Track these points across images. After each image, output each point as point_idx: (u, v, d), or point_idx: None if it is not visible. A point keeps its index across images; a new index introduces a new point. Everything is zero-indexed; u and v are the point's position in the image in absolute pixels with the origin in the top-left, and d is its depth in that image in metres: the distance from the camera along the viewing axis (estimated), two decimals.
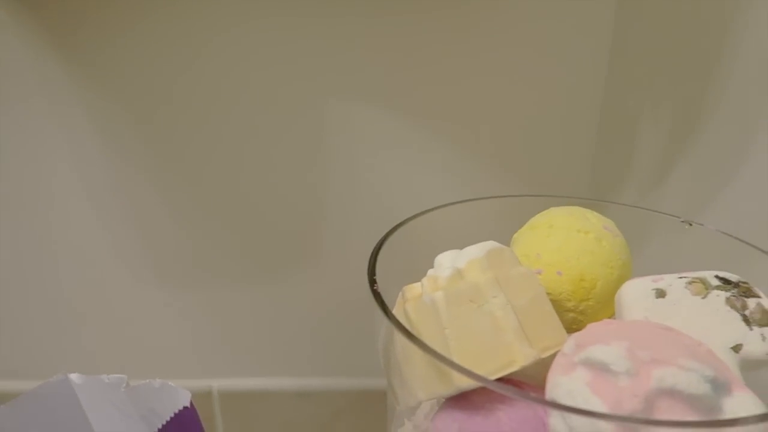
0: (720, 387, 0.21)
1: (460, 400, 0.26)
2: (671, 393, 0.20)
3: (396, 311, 0.29)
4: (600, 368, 0.21)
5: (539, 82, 0.44)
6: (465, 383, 0.24)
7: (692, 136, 0.41)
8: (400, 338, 0.26)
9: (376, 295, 0.26)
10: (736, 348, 0.25)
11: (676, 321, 0.26)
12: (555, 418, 0.22)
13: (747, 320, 0.25)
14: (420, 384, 0.26)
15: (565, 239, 0.31)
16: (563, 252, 0.31)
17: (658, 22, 0.42)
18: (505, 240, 0.34)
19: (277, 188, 0.47)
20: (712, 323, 0.26)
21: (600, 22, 0.43)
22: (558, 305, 0.31)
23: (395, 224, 0.33)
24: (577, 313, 0.31)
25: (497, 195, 0.38)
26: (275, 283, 0.50)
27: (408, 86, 0.43)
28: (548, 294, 0.31)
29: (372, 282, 0.27)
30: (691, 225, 0.33)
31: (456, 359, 0.24)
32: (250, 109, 0.44)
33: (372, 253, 0.29)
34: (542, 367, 0.25)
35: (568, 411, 0.21)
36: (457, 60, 0.43)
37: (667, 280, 0.27)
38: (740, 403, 0.21)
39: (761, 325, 0.25)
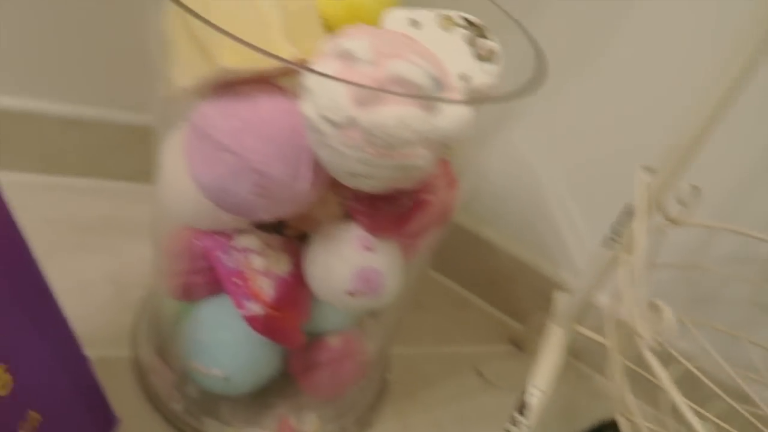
0: (437, 84, 0.26)
1: (224, 90, 0.28)
2: (400, 81, 0.24)
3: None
4: (347, 57, 0.25)
5: None
6: (228, 62, 0.26)
7: None
8: (171, 21, 0.27)
9: None
10: (463, 76, 0.30)
11: None
12: (306, 103, 0.26)
13: (476, 56, 0.31)
14: (186, 70, 0.27)
15: None
16: None
17: None
18: None
19: None
20: (450, 53, 0.30)
21: None
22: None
23: None
24: None
25: None
26: None
27: None
28: (325, 19, 0.33)
29: None
30: None
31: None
32: None
33: None
34: None
35: (315, 73, 0.24)
36: None
37: (422, 13, 0.31)
38: (447, 95, 0.26)
39: (484, 62, 0.31)
